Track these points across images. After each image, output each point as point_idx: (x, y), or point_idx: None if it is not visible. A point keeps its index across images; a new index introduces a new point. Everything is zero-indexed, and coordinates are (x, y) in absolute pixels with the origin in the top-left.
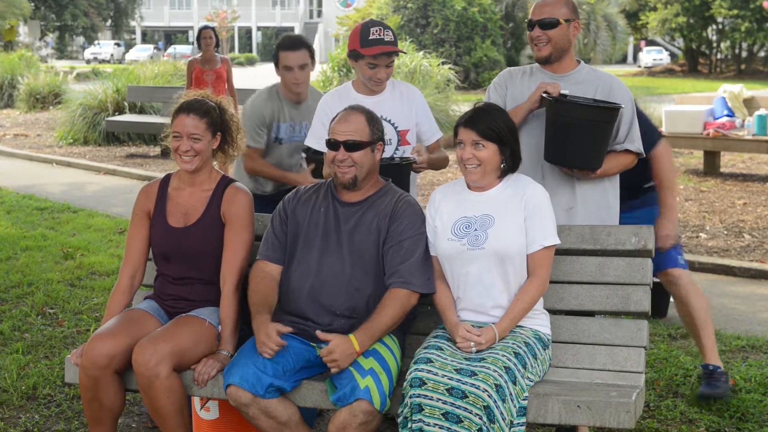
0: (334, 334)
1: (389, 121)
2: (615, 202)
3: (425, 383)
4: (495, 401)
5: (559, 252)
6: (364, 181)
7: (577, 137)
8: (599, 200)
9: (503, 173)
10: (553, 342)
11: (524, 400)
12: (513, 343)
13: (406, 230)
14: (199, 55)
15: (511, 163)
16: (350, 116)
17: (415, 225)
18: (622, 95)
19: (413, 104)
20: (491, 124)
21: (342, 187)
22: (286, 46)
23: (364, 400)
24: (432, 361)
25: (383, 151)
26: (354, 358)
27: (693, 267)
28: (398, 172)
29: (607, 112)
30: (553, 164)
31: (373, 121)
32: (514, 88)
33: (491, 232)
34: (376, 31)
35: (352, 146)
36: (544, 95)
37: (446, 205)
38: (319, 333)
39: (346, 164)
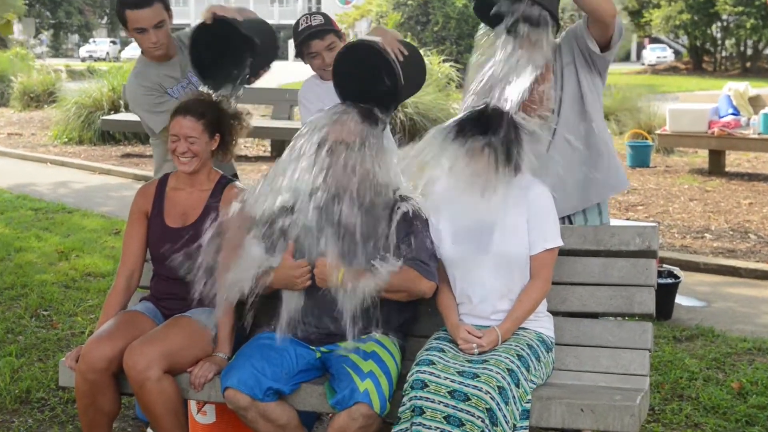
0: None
1: None
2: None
3: (427, 385)
4: (498, 403)
5: (562, 253)
6: None
7: None
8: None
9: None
10: (556, 344)
11: (527, 402)
12: (516, 346)
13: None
14: None
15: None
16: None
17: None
18: None
19: None
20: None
21: None
22: (132, 4)
23: (363, 404)
24: (434, 363)
25: None
26: (325, 278)
27: (698, 268)
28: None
29: None
30: None
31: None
32: None
33: (495, 237)
34: (304, 20)
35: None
36: None
37: (449, 208)
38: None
39: None
